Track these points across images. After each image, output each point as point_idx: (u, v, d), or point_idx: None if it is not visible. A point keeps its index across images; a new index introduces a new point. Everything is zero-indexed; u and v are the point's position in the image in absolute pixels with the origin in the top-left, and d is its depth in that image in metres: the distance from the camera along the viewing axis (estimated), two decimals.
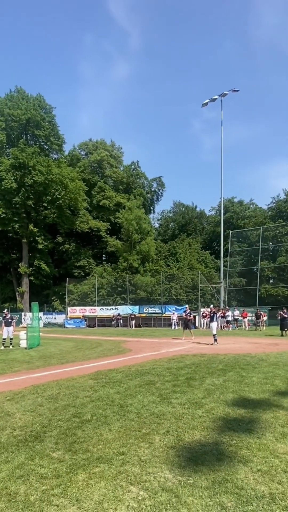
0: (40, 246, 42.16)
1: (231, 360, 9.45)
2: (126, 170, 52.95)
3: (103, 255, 52.99)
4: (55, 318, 38.52)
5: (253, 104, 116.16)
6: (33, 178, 37.98)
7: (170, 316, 31.67)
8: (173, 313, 30.88)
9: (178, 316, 30.95)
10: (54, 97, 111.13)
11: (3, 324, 14.52)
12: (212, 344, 14.42)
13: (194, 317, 32.62)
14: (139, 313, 34.83)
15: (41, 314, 39.20)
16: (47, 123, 41.65)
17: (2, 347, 14.06)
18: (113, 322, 35.66)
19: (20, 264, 42.35)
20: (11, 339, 14.58)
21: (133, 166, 53.60)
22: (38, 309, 15.51)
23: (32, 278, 43.11)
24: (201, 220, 58.00)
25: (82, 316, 37.02)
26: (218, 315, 16.00)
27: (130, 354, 11.57)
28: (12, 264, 45.01)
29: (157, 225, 60.72)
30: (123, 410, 4.84)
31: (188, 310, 18.96)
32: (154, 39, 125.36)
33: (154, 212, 58.59)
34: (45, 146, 43.31)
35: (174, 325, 29.70)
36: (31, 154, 38.02)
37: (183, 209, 59.26)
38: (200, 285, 37.14)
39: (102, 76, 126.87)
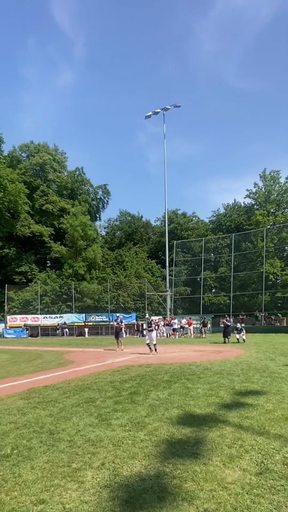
0: None
1: (176, 370, 9.13)
2: (71, 175, 51.54)
3: (47, 261, 50.57)
4: None
5: (194, 123, 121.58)
6: None
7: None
8: (121, 321, 30.17)
9: (125, 324, 30.38)
10: None
11: None
12: (148, 354, 13.87)
13: (142, 325, 32.44)
14: (85, 321, 33.50)
15: None
16: None
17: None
18: (57, 331, 33.86)
19: None
20: (155, 344, 13.88)
21: (77, 172, 52.45)
22: None
23: None
24: (147, 230, 58.62)
25: (24, 325, 34.56)
26: (157, 325, 15.70)
27: (72, 366, 10.69)
28: None
29: (103, 233, 60.00)
30: (53, 438, 4.13)
31: (119, 319, 18.14)
32: (99, 50, 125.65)
33: (100, 219, 57.88)
34: None
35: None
36: None
37: (129, 218, 59.41)
38: (147, 293, 37.12)
39: (46, 81, 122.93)
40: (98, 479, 3.06)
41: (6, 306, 36.93)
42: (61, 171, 50.70)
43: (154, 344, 14.07)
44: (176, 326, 27.56)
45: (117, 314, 23.19)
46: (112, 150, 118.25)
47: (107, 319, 35.24)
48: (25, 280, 42.48)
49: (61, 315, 35.85)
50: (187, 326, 28.37)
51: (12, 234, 43.57)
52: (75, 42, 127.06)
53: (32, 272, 43.51)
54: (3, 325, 34.68)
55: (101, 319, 35.32)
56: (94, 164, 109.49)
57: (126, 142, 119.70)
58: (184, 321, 28.90)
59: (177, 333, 27.55)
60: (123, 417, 4.91)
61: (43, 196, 45.95)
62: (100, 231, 56.19)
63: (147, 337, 14.63)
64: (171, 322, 27.84)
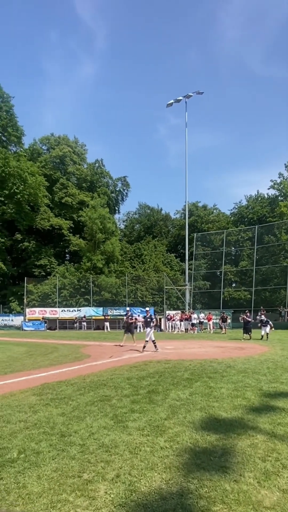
0: None
1: (197, 367, 8.65)
2: (90, 167, 51.37)
3: (66, 254, 50.92)
4: (12, 320, 36.01)
5: (216, 113, 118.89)
6: None
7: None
8: (138, 315, 29.92)
9: (155, 319, 30.19)
10: (16, 92, 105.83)
11: None
12: (154, 351, 12.78)
13: (160, 319, 32.05)
14: (103, 315, 33.36)
15: None
16: (4, 113, 39.06)
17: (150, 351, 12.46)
18: (75, 325, 34.01)
19: None
20: (153, 341, 13.00)
21: (97, 164, 52.18)
22: None
23: None
24: (166, 223, 57.82)
25: (42, 318, 34.94)
26: (153, 321, 13.65)
27: (88, 360, 10.41)
28: None
29: (122, 226, 59.67)
30: (64, 441, 3.76)
31: (130, 313, 17.32)
32: (120, 42, 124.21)
33: (119, 212, 57.55)
34: (2, 137, 40.60)
35: (139, 328, 28.76)
36: None
37: (149, 211, 58.76)
38: (165, 287, 36.60)
39: (68, 74, 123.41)
40: (112, 495, 2.65)
41: (25, 299, 37.44)
42: (81, 163, 50.64)
43: (146, 341, 12.93)
44: (194, 321, 27.00)
45: (127, 308, 22.67)
46: (132, 143, 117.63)
47: (124, 313, 35.05)
48: (44, 274, 42.93)
49: (79, 308, 35.98)
50: (205, 321, 27.76)
51: (32, 227, 44.00)
52: (96, 34, 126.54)
53: (51, 265, 43.89)
54: (22, 317, 35.18)
55: (118, 313, 35.15)
56: (113, 157, 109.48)
57: (146, 134, 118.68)
58: (202, 315, 28.28)
59: (196, 328, 27.00)
60: (141, 419, 4.49)
61: (63, 189, 46.07)
62: (119, 225, 55.97)
63: (147, 332, 13.32)
64: (190, 317, 27.29)
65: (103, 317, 32.40)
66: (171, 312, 32.00)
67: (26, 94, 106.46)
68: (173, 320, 29.51)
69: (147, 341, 12.94)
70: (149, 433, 3.98)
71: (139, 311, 33.84)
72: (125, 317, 16.95)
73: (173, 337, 21.59)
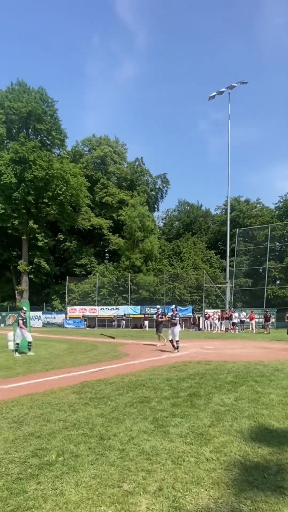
0: (40, 244, 41.09)
1: (241, 369, 8.15)
2: (130, 166, 51.72)
3: (105, 254, 51.83)
4: (54, 317, 37.34)
5: (260, 105, 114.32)
6: (34, 173, 36.83)
7: None
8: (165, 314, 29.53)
9: (180, 318, 29.64)
10: (59, 96, 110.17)
11: (20, 325, 11.74)
12: (171, 351, 12.25)
13: (199, 318, 31.38)
14: (144, 314, 33.27)
15: (40, 313, 38.19)
16: (48, 117, 40.49)
17: (17, 354, 11.29)
18: (113, 323, 34.42)
19: (19, 262, 41.24)
20: (29, 343, 11.76)
21: (137, 163, 52.38)
22: (29, 308, 14.23)
23: (32, 276, 42.04)
24: (206, 219, 56.47)
25: (82, 316, 35.83)
26: (178, 318, 12.55)
27: (126, 359, 10.31)
28: (11, 262, 43.95)
29: (161, 224, 59.35)
30: (103, 445, 3.59)
31: (160, 311, 16.16)
32: (160, 39, 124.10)
33: (158, 210, 57.27)
34: (46, 140, 42.16)
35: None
36: (31, 148, 36.90)
37: (188, 207, 57.82)
38: (205, 285, 35.75)
39: (108, 76, 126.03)
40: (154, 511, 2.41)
41: (66, 297, 38.64)
42: (121, 162, 51.25)
43: (177, 341, 12.31)
44: (235, 320, 26.03)
45: (157, 306, 21.97)
46: (172, 140, 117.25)
47: (162, 311, 34.82)
48: (84, 273, 44.02)
49: (117, 306, 36.36)
50: (247, 320, 26.67)
51: (74, 227, 45.33)
52: (136, 34, 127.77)
53: (91, 265, 44.89)
54: (63, 315, 36.31)
55: (156, 312, 34.96)
56: (153, 155, 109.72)
57: (186, 131, 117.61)
58: (244, 314, 27.19)
59: (237, 327, 26.02)
60: (183, 424, 4.21)
61: (103, 189, 46.91)
62: (158, 223, 55.72)
63: (170, 331, 12.57)
64: (231, 316, 26.36)
65: (142, 315, 32.42)
66: (210, 311, 31.18)
67: (69, 97, 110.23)
68: (212, 319, 28.73)
69: (177, 340, 12.26)
70: (193, 441, 3.68)
71: (178, 309, 33.44)
72: (155, 316, 15.97)
73: (213, 337, 20.96)
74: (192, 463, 3.17)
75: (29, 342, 11.61)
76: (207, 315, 29.62)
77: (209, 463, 3.16)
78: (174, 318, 12.40)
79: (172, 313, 12.67)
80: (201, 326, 30.42)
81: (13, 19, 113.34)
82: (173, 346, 12.30)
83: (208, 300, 38.97)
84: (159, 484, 2.78)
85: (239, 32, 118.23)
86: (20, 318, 11.80)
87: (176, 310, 12.86)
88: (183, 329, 29.46)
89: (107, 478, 2.89)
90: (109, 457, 3.30)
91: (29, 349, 11.57)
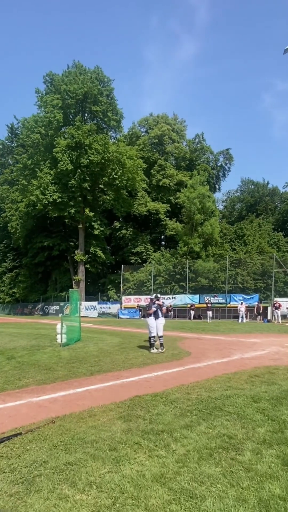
0: (96, 232, 40.55)
1: None
2: (190, 144, 48.55)
3: (162, 241, 50.01)
4: (109, 307, 36.73)
5: None
6: (89, 157, 35.88)
7: (237, 307, 27.48)
8: (241, 304, 26.70)
9: (246, 307, 26.74)
10: (117, 83, 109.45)
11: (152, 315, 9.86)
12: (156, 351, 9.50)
13: (266, 308, 28.09)
14: (207, 303, 30.66)
15: (95, 303, 37.92)
16: (105, 97, 39.04)
17: (156, 350, 9.48)
18: (169, 313, 32.51)
19: (76, 252, 41.36)
20: (161, 337, 9.83)
21: (197, 139, 48.90)
22: (78, 297, 12.98)
23: (88, 266, 41.92)
24: (273, 198, 51.13)
25: (137, 306, 34.58)
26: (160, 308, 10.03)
27: (189, 360, 8.34)
28: (69, 252, 44.45)
29: (221, 207, 55.40)
30: None
31: (159, 301, 10.68)
32: (222, 11, 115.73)
33: (219, 190, 53.20)
34: (102, 123, 40.97)
35: (242, 317, 25.60)
36: (87, 132, 35.96)
37: (253, 186, 52.93)
38: (275, 270, 31.95)
39: (167, 57, 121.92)
40: None
41: (122, 287, 37.77)
42: (180, 141, 48.50)
43: (160, 337, 9.75)
44: None
45: (158, 295, 12.22)
46: (233, 117, 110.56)
47: (223, 300, 32.00)
48: (140, 261, 42.78)
49: (174, 295, 34.41)
50: None
51: (129, 214, 44.13)
52: (197, 8, 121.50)
53: (147, 252, 43.48)
54: (118, 305, 35.50)
55: (216, 301, 32.26)
56: (213, 133, 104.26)
57: (249, 105, 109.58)
58: None
59: None
60: None
61: (160, 171, 44.84)
62: (218, 206, 52.06)
63: (150, 325, 9.78)
64: None
65: (204, 305, 29.83)
66: (280, 300, 27.65)
67: (126, 83, 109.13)
68: (280, 308, 25.37)
69: (161, 336, 9.77)
70: None
71: (241, 298, 30.41)
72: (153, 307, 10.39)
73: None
74: None
75: (160, 336, 9.80)
76: (276, 304, 26.19)
77: None
78: (156, 307, 9.95)
79: (156, 301, 10.08)
80: (269, 317, 27.18)
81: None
82: (151, 344, 9.74)
83: (275, 288, 35.07)
84: None
85: None
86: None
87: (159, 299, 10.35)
88: (247, 320, 26.64)
89: None
90: None
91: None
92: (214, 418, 4.09)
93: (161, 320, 9.94)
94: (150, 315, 9.93)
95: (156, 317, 9.83)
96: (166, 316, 32.43)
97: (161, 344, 9.74)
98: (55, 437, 3.52)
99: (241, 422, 3.96)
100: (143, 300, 34.49)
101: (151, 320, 9.82)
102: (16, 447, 3.29)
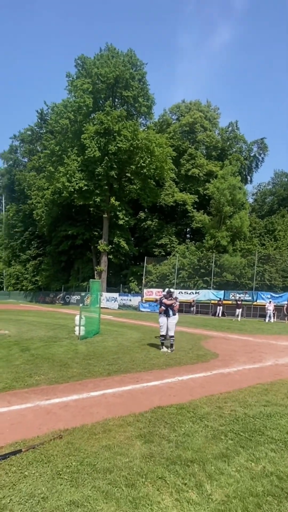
0: (120, 222, 39.87)
1: None
2: (222, 132, 46.61)
3: (187, 233, 48.71)
4: (130, 300, 36.20)
5: None
6: (118, 144, 35.04)
7: (263, 305, 26.15)
8: (270, 302, 25.35)
9: (275, 306, 25.35)
10: (150, 69, 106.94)
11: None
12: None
13: None
14: (237, 301, 29.29)
15: (116, 295, 37.50)
16: (136, 82, 37.85)
17: (165, 349, 8.80)
18: (192, 308, 31.57)
19: (99, 242, 40.98)
20: (172, 336, 9.11)
21: (230, 128, 46.77)
22: (99, 288, 12.38)
23: (111, 256, 41.49)
24: None
25: (155, 300, 33.82)
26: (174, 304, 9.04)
27: (216, 364, 7.54)
28: (93, 242, 44.19)
29: (251, 201, 53.05)
30: None
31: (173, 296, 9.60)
32: None
33: (251, 181, 50.85)
34: (132, 109, 39.93)
35: (270, 316, 24.30)
36: (116, 118, 35.12)
37: (286, 179, 50.27)
38: None
39: (202, 44, 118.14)
40: None
41: (144, 279, 37.11)
42: (212, 129, 46.67)
43: (171, 337, 8.93)
44: None
45: (172, 289, 9.75)
46: (268, 106, 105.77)
47: (250, 297, 30.59)
48: (164, 253, 41.85)
49: (197, 291, 33.35)
50: None
51: (155, 204, 43.10)
52: None
53: (172, 245, 42.45)
54: (139, 298, 34.91)
55: (242, 298, 30.88)
56: (247, 122, 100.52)
57: (286, 94, 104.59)
58: None
59: None
60: None
61: (190, 160, 43.34)
62: (247, 199, 49.86)
63: (160, 323, 9.05)
64: None
65: (229, 302, 28.54)
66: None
67: (160, 70, 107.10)
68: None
69: (171, 336, 8.96)
70: None
71: (269, 296, 28.92)
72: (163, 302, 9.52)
73: None
74: None
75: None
76: None
77: None
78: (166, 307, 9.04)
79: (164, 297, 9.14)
80: None
81: None
82: (161, 343, 9.05)
83: None
84: None
85: None
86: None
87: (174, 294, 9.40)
88: (274, 319, 25.27)
89: None
90: None
91: None
92: (255, 446, 3.32)
93: (173, 319, 9.06)
94: (160, 313, 9.15)
95: (168, 315, 9.01)
96: (188, 311, 31.75)
97: (171, 345, 8.95)
98: (61, 459, 2.88)
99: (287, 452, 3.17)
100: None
101: (161, 318, 9.04)
102: (13, 470, 2.68)
